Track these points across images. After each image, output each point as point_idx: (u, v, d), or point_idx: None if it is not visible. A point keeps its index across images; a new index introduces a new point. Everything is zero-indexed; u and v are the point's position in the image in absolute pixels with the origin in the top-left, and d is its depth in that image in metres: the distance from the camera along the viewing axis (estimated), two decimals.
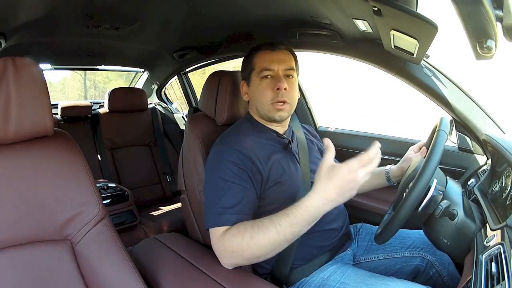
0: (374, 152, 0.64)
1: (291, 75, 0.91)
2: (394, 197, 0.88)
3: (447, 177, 0.80)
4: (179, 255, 0.86)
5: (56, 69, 2.19)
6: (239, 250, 0.71)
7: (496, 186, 0.83)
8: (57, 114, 2.08)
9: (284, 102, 0.88)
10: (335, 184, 0.63)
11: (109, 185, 1.59)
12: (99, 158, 1.99)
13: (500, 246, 0.59)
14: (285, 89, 0.87)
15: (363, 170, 0.63)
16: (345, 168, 0.63)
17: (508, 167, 0.79)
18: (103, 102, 2.24)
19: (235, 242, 0.71)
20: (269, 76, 0.89)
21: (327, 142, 0.68)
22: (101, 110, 2.12)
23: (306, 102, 1.60)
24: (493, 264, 0.56)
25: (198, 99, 1.59)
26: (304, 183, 0.90)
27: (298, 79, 0.96)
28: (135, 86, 2.55)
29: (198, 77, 2.58)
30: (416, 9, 0.75)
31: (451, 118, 1.08)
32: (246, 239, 0.70)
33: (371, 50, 1.10)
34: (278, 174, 0.86)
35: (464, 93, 1.04)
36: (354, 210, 1.30)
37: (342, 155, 1.06)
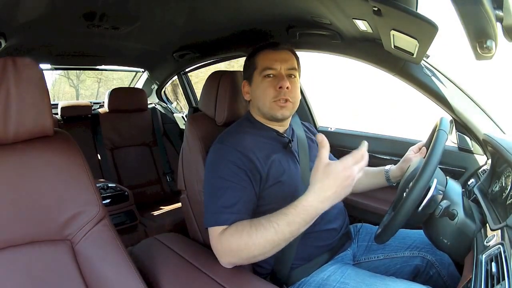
0: (365, 149, 0.66)
1: (293, 75, 0.91)
2: (394, 197, 0.88)
3: (447, 177, 0.80)
4: (179, 255, 0.86)
5: (56, 69, 2.19)
6: (237, 250, 0.71)
7: (496, 186, 0.83)
8: (57, 114, 2.08)
9: (286, 100, 0.88)
10: (331, 182, 0.63)
11: (109, 185, 1.59)
12: (99, 158, 1.99)
13: (500, 246, 0.59)
14: (287, 88, 0.87)
15: (357, 166, 0.63)
16: (340, 165, 0.63)
17: (508, 167, 0.79)
18: (103, 102, 2.24)
19: (233, 242, 0.71)
20: (271, 75, 0.89)
21: (321, 138, 0.67)
22: (101, 110, 2.12)
23: (306, 102, 1.60)
24: (493, 264, 0.56)
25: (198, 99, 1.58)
26: (304, 182, 0.89)
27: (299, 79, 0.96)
28: (135, 86, 2.55)
29: None
30: (416, 9, 0.75)
31: (451, 118, 1.08)
32: (244, 239, 0.69)
33: (371, 50, 1.10)
34: (278, 174, 0.85)
35: (464, 93, 1.04)
36: (354, 210, 1.30)
37: (342, 155, 1.06)
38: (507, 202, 0.71)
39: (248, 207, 0.79)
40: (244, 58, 1.01)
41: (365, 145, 0.66)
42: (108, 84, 6.98)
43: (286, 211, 0.68)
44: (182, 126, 2.34)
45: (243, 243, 0.69)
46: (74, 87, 7.53)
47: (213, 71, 1.08)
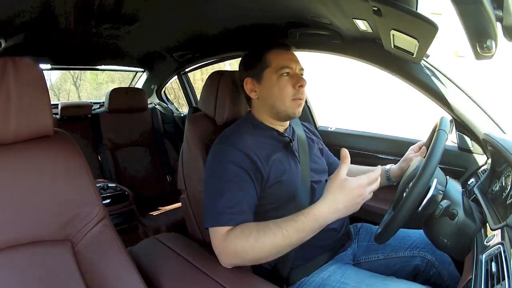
0: (379, 173, 0.70)
1: (303, 74, 0.93)
2: (394, 197, 0.88)
3: (447, 177, 0.80)
4: (179, 255, 0.86)
5: (56, 69, 2.20)
6: (242, 252, 0.71)
7: (496, 186, 0.83)
8: (57, 114, 2.08)
9: (301, 98, 0.90)
10: (345, 197, 0.68)
11: (109, 185, 1.59)
12: (99, 158, 1.99)
13: (500, 245, 0.59)
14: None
15: (369, 187, 0.68)
16: (356, 182, 0.68)
17: (508, 167, 0.79)
18: (103, 102, 2.24)
19: (239, 244, 0.71)
20: (287, 74, 0.90)
21: (345, 153, 0.70)
22: (101, 110, 2.12)
23: (307, 102, 1.60)
24: (493, 264, 0.56)
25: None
26: (304, 182, 0.90)
27: None
28: (135, 86, 2.55)
29: None
30: (416, 9, 0.75)
31: (451, 117, 1.08)
32: (250, 242, 0.70)
33: (371, 50, 1.10)
34: (278, 173, 0.85)
35: (464, 93, 1.04)
36: None
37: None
38: (507, 202, 0.71)
39: (250, 208, 0.79)
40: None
41: (379, 169, 0.71)
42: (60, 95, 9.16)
43: (296, 218, 0.70)
44: (182, 126, 2.34)
45: (249, 246, 0.70)
46: (57, 96, 9.27)
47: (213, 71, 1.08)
